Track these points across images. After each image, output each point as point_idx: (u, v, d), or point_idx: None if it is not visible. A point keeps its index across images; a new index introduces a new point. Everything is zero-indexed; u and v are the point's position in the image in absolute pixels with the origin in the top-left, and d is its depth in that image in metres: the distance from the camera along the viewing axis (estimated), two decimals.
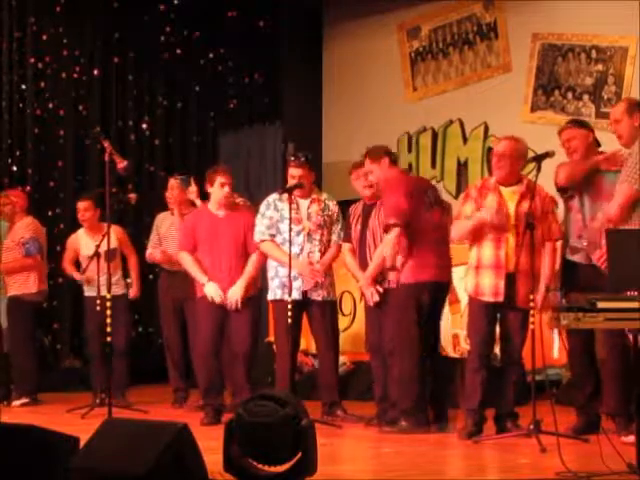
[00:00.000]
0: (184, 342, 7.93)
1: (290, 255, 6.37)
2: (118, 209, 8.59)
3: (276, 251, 6.64)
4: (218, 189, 6.83)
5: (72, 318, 9.81)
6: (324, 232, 6.73)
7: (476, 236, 5.83)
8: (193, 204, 7.80)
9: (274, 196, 6.80)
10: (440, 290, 6.27)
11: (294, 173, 6.72)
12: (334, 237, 6.77)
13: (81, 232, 8.17)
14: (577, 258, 5.73)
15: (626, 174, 5.30)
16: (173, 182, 8.08)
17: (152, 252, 8.07)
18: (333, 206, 6.84)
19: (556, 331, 6.16)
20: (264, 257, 6.79)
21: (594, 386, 5.79)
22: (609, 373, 5.65)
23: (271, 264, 6.76)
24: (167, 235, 8.00)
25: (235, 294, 6.70)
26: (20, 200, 8.30)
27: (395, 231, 6.08)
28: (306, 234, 6.68)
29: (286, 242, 6.50)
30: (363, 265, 6.50)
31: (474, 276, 5.86)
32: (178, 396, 7.92)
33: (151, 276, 9.51)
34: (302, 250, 6.65)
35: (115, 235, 7.84)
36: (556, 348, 7.20)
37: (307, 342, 8.06)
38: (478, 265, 5.85)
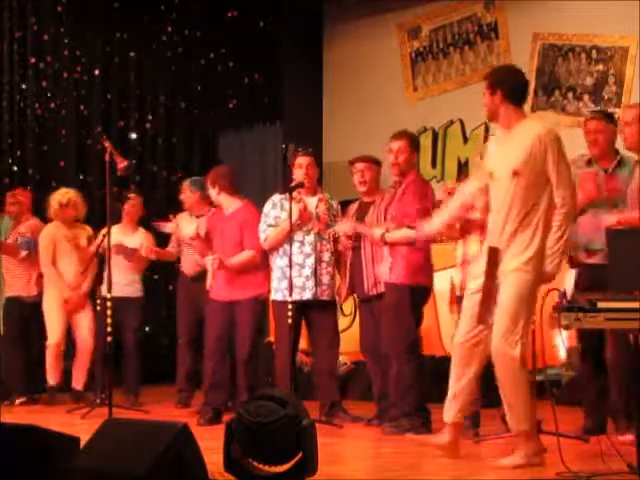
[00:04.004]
0: (195, 344, 7.93)
1: (291, 225, 6.39)
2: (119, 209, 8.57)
3: (277, 230, 6.63)
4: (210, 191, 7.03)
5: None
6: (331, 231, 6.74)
7: (463, 229, 5.84)
8: (210, 204, 7.87)
9: (280, 196, 6.80)
10: (429, 293, 6.39)
11: (301, 162, 6.74)
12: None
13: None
14: (594, 260, 5.70)
15: None
16: (184, 185, 8.13)
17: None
18: (336, 205, 6.89)
19: (564, 333, 6.16)
20: (258, 257, 6.79)
21: (602, 386, 5.80)
22: (619, 373, 5.63)
23: (277, 265, 6.73)
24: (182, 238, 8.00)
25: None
26: (27, 200, 8.34)
27: (415, 235, 6.05)
28: (316, 233, 6.68)
29: (294, 241, 6.51)
30: (357, 265, 6.51)
31: (461, 272, 5.87)
32: (182, 397, 7.92)
33: (156, 276, 9.53)
34: (314, 249, 6.65)
35: (147, 241, 8.08)
36: (562, 349, 7.19)
37: (307, 342, 8.04)
38: (464, 261, 5.86)
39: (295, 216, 6.51)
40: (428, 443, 5.13)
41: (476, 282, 4.95)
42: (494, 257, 4.83)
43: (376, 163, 6.68)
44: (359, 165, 6.64)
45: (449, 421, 5.04)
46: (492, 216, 4.96)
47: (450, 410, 5.03)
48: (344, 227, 6.53)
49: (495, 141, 5.10)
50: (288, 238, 6.52)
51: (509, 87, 4.92)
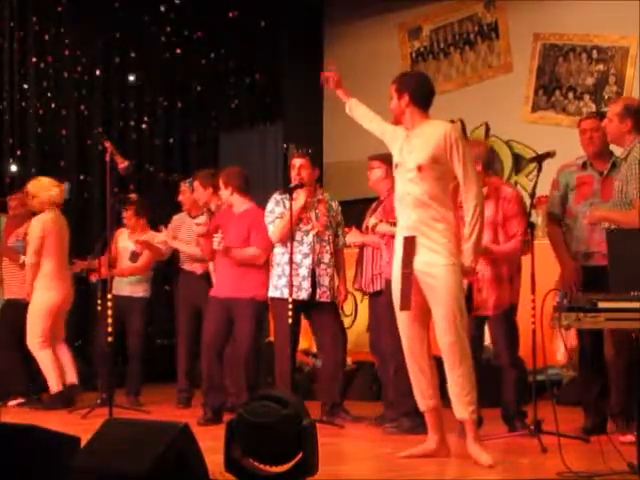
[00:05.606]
0: (194, 343, 7.93)
1: (291, 211, 6.39)
2: (119, 209, 8.58)
3: (286, 219, 6.56)
4: (223, 191, 7.02)
5: (74, 318, 9.79)
6: (330, 232, 6.74)
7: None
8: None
9: (280, 195, 6.81)
10: None
11: (295, 163, 6.75)
12: (340, 241, 6.78)
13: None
14: (592, 262, 5.69)
15: (633, 187, 5.30)
16: (183, 186, 8.12)
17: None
18: (336, 207, 6.88)
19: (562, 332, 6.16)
20: (262, 257, 6.78)
21: (602, 386, 5.80)
22: (618, 372, 5.63)
23: (279, 262, 6.74)
24: (180, 238, 7.99)
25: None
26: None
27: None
28: (315, 234, 6.68)
29: (294, 241, 6.51)
30: (360, 261, 6.52)
31: None
32: (182, 396, 7.92)
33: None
34: (312, 250, 6.64)
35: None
36: (561, 350, 7.18)
37: (307, 342, 8.05)
38: None
39: (302, 201, 6.53)
40: (418, 455, 5.13)
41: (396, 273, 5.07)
42: (411, 246, 4.95)
43: (384, 162, 6.56)
44: (369, 163, 6.67)
45: (425, 409, 5.14)
46: (399, 209, 5.10)
47: (423, 399, 5.13)
48: (351, 238, 6.60)
49: (404, 139, 5.16)
50: (293, 232, 6.53)
51: (415, 91, 5.11)
